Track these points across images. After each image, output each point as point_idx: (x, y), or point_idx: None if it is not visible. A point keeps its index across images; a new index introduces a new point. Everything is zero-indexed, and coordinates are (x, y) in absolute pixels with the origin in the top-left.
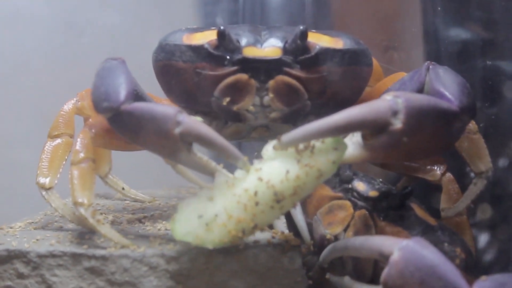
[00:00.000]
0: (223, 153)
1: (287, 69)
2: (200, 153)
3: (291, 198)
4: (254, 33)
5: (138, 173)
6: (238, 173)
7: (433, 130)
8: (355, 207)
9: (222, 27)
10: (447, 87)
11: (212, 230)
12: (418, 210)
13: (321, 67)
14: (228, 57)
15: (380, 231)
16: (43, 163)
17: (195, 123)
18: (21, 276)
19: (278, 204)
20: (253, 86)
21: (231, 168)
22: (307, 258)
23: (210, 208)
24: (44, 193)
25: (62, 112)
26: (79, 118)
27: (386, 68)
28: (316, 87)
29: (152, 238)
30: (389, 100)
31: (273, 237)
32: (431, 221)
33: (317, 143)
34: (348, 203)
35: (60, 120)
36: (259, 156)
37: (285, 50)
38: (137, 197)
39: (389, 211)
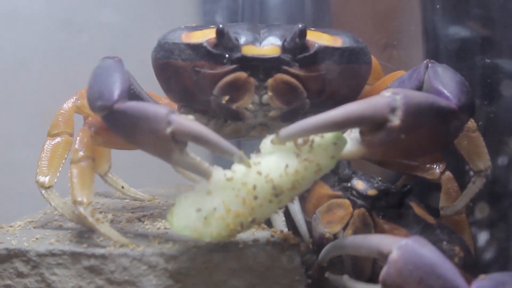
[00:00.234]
0: (217, 149)
1: (286, 68)
2: (193, 153)
3: (289, 193)
4: (253, 32)
5: (138, 171)
6: (236, 167)
7: (431, 128)
8: (354, 205)
9: (221, 26)
10: (445, 85)
11: (210, 224)
12: (417, 209)
13: (320, 66)
14: (227, 55)
15: (379, 230)
16: (42, 162)
17: (186, 121)
18: (20, 275)
19: (277, 198)
20: (252, 85)
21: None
22: (306, 257)
23: (208, 201)
24: (43, 191)
25: (61, 111)
26: (79, 117)
27: (385, 66)
28: (315, 85)
29: (152, 237)
30: (388, 96)
31: (272, 236)
32: (430, 219)
33: (316, 138)
34: (347, 201)
35: (60, 119)
36: (258, 152)
37: (284, 49)
38: (137, 196)
39: (388, 209)
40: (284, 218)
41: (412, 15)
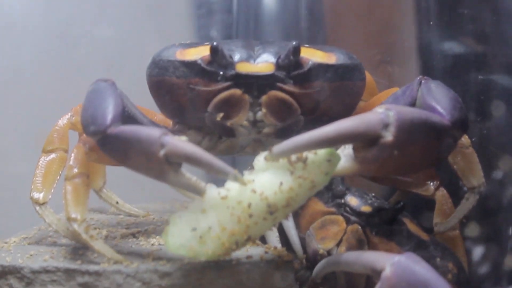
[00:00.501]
0: (212, 169)
1: (280, 85)
2: (189, 173)
3: (284, 210)
4: (247, 49)
5: (132, 187)
6: (229, 184)
7: (424, 144)
8: (348, 222)
9: (215, 43)
10: (438, 101)
11: (206, 243)
12: (411, 225)
13: (314, 83)
14: (221, 72)
15: (372, 246)
16: (37, 178)
17: (179, 143)
18: None
19: (271, 216)
20: (247, 102)
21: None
22: (300, 273)
23: (203, 220)
24: (37, 208)
25: (56, 127)
26: (74, 133)
27: (380, 82)
28: (309, 102)
29: (146, 253)
30: (381, 112)
31: (266, 253)
32: (424, 236)
33: (310, 155)
34: (340, 218)
35: (55, 135)
36: (251, 168)
37: (278, 66)
38: (131, 212)
39: (381, 226)
40: (277, 234)
41: (406, 31)
